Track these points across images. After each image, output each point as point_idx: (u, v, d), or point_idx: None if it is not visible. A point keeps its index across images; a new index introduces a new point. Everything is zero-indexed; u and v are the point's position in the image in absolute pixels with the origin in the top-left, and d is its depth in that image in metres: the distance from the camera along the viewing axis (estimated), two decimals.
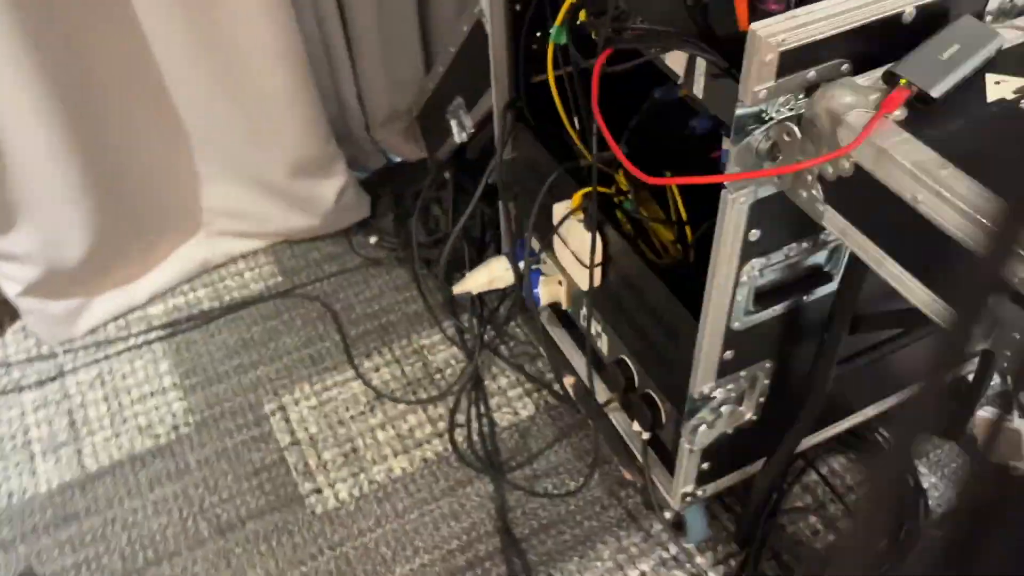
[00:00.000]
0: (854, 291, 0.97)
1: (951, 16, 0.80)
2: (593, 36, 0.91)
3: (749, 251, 0.91)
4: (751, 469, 1.27)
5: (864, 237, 0.77)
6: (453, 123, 1.68)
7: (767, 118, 0.79)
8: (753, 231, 0.89)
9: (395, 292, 1.75)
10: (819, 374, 1.07)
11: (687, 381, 1.08)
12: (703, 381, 1.04)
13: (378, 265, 1.80)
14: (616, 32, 0.87)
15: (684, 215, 1.23)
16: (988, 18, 0.84)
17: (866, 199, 0.76)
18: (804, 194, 0.82)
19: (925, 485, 1.42)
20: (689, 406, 1.08)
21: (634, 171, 0.89)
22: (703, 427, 1.10)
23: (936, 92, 0.74)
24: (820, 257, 0.99)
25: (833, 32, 0.75)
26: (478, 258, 1.70)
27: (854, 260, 0.95)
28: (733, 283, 0.94)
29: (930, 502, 1.39)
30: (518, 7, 1.22)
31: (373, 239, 1.85)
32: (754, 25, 0.73)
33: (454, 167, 1.81)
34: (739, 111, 0.78)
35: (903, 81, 0.75)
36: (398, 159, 1.98)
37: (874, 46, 0.78)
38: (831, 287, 1.02)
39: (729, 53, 0.81)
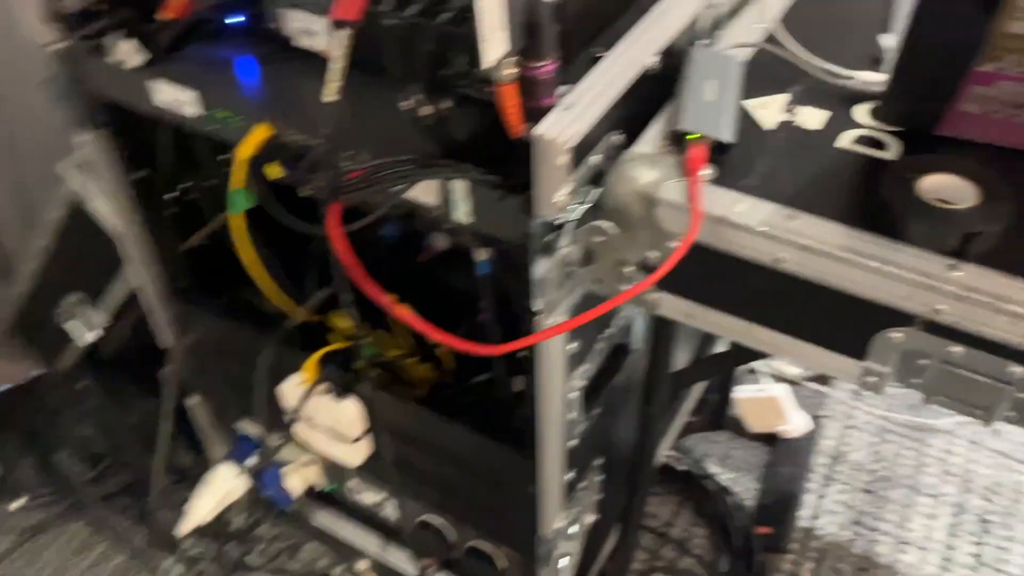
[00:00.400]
0: (665, 357, 0.88)
1: (678, 53, 0.74)
2: (302, 193, 0.70)
3: (571, 365, 0.78)
4: (600, 560, 1.15)
5: (718, 313, 0.67)
6: (73, 324, 1.33)
7: (560, 223, 0.65)
8: (571, 345, 0.76)
9: (81, 555, 1.35)
10: (647, 442, 0.98)
11: (523, 517, 0.93)
12: (554, 517, 0.89)
13: (42, 531, 1.38)
14: (340, 177, 0.67)
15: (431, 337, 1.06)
16: (705, 42, 0.79)
17: (707, 274, 0.66)
18: (627, 288, 0.70)
19: (725, 483, 1.41)
20: (544, 548, 0.92)
21: (461, 345, 0.70)
22: (564, 559, 0.95)
23: (728, 136, 0.67)
24: (618, 333, 0.89)
25: (605, 109, 0.64)
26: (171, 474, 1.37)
27: (658, 326, 0.86)
28: (564, 406, 0.80)
29: (737, 498, 1.39)
30: (141, 173, 0.95)
31: (18, 502, 1.41)
32: (537, 130, 0.59)
33: (90, 373, 1.45)
34: (535, 225, 0.64)
35: (692, 136, 0.66)
36: (5, 387, 1.54)
37: (634, 107, 0.69)
38: (633, 356, 0.93)
39: (485, 163, 0.66)
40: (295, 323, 1.02)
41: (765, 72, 0.75)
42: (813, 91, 0.73)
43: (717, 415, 1.50)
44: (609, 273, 0.69)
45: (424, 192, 0.69)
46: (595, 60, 0.67)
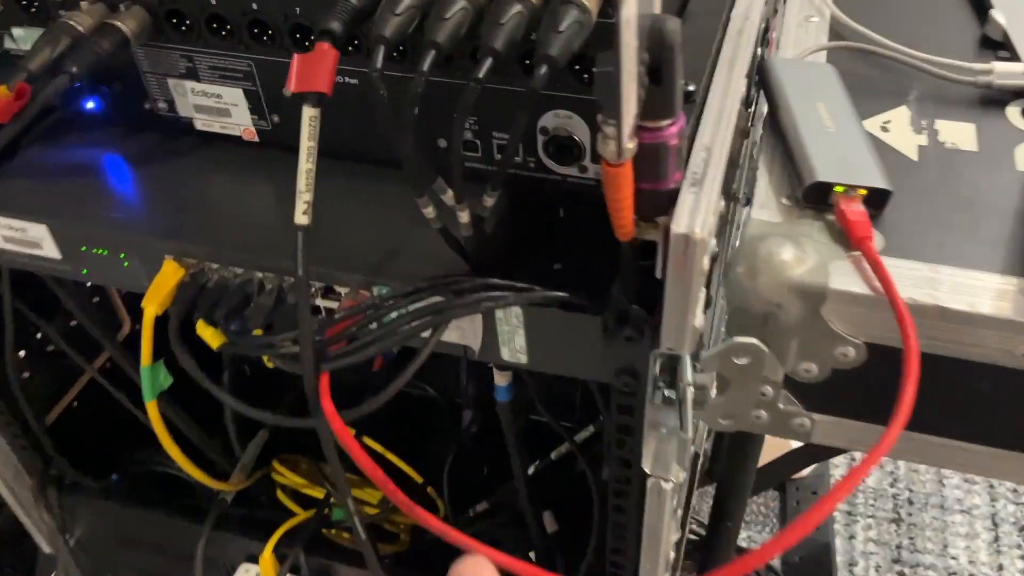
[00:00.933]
0: (750, 469, 0.68)
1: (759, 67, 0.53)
2: (268, 362, 0.45)
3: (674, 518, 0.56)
4: None
5: (910, 434, 0.47)
6: None
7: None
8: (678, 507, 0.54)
9: None
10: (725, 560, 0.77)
11: None
12: None
13: None
14: (321, 335, 0.43)
15: (418, 476, 0.81)
16: (770, 49, 0.59)
17: (888, 384, 0.46)
18: (764, 415, 0.48)
19: (743, 544, 1.23)
20: None
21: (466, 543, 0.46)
22: None
23: (882, 181, 0.46)
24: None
25: (722, 174, 0.42)
26: None
27: (742, 437, 0.66)
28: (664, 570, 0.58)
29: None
30: None
31: None
32: (678, 227, 0.36)
33: None
34: (659, 359, 0.42)
35: (839, 189, 0.45)
36: None
37: (734, 161, 0.47)
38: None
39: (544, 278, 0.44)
40: (231, 494, 0.76)
41: (857, 80, 0.55)
42: (934, 97, 0.54)
43: (712, 465, 1.31)
44: (745, 402, 0.47)
45: (454, 329, 0.45)
46: (687, 97, 0.45)
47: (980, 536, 1.23)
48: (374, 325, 0.44)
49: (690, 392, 0.43)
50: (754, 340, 0.44)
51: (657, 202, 0.37)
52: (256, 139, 0.53)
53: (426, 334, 0.44)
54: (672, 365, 0.44)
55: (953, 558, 1.20)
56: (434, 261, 0.45)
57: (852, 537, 1.24)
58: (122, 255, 0.50)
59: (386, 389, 0.44)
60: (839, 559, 1.21)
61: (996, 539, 1.22)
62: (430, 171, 0.39)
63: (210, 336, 0.45)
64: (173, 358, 0.52)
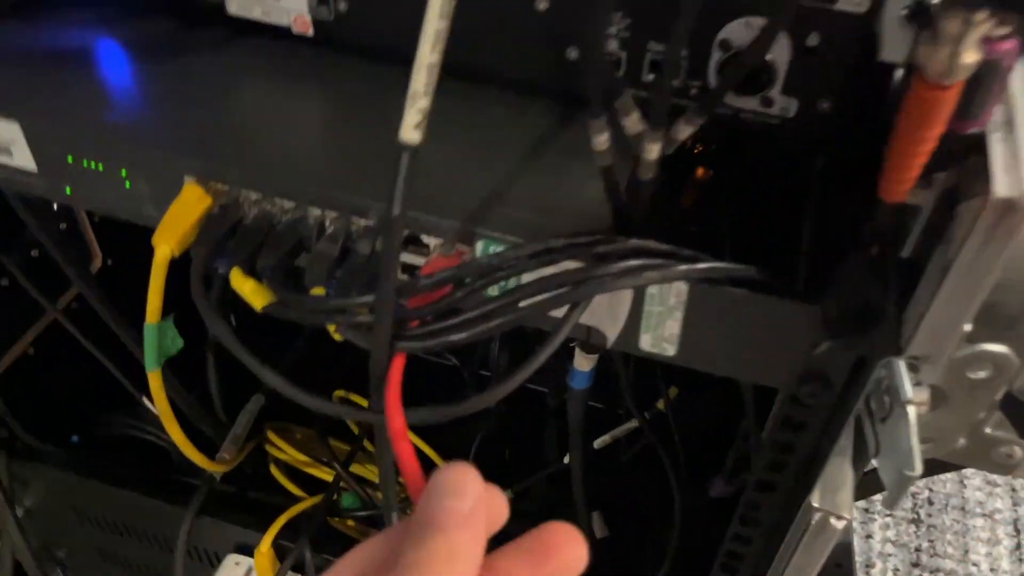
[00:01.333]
0: None
1: None
2: (334, 333, 0.32)
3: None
4: None
5: None
6: None
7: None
8: None
9: None
10: None
11: None
12: None
13: None
14: (404, 303, 0.30)
15: (441, 462, 0.70)
16: None
17: None
18: (962, 440, 0.38)
19: None
20: None
21: None
22: None
23: None
24: None
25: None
26: None
27: None
28: None
29: None
30: None
31: None
32: (1000, 189, 0.24)
33: None
34: (892, 369, 0.30)
35: None
36: None
37: None
38: None
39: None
40: (220, 473, 0.63)
41: None
42: None
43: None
44: (958, 423, 0.36)
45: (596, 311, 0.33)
46: None
47: (1002, 542, 1.16)
48: (486, 297, 0.32)
49: (912, 412, 0.32)
50: (1005, 348, 0.32)
51: (950, 150, 0.26)
52: (310, 32, 0.40)
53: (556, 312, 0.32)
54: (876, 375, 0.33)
55: (974, 564, 1.13)
56: (555, 212, 0.33)
57: (869, 536, 1.16)
58: (123, 172, 0.37)
59: (502, 384, 0.32)
60: (858, 558, 1.13)
61: (1018, 546, 1.15)
62: (616, 82, 0.27)
63: (251, 292, 0.33)
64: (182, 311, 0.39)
